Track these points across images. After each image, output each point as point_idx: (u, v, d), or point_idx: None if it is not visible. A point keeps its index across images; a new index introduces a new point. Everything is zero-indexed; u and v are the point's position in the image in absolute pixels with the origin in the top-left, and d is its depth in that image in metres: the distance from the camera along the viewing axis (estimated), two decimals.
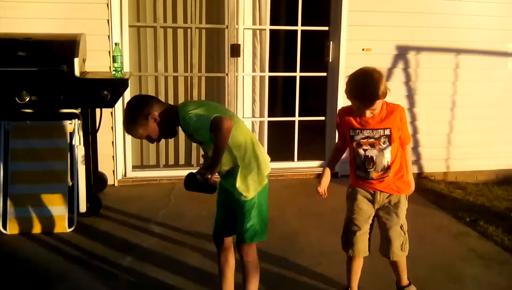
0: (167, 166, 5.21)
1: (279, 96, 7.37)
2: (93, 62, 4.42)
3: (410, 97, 5.34)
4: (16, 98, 3.79)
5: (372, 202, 2.84)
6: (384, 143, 2.74)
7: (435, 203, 4.68)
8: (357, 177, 2.84)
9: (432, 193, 5.02)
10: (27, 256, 3.48)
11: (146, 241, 3.72)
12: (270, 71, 5.34)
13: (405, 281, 3.02)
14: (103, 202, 4.19)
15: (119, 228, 3.91)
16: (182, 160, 5.41)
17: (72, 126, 3.95)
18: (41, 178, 3.85)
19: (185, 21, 5.16)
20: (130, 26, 4.80)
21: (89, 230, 3.87)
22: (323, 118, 5.41)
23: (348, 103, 2.72)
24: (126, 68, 4.66)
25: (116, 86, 4.01)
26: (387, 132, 2.72)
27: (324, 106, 5.42)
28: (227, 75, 5.04)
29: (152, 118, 2.52)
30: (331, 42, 5.19)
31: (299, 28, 5.15)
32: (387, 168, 2.76)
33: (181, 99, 5.31)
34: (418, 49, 5.26)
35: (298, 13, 5.09)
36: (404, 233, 2.83)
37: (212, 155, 2.36)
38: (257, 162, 2.58)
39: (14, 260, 3.44)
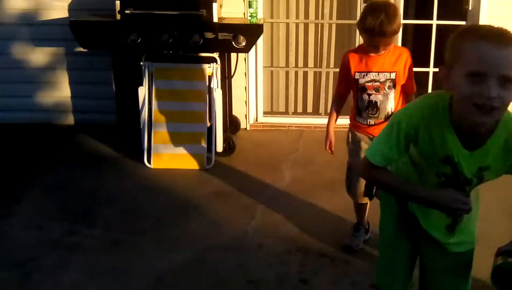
0: (295, 113, 5.28)
1: (408, 46, 7.09)
2: (228, 8, 4.54)
3: None
4: (159, 41, 4.00)
5: None
6: (389, 88, 2.66)
7: None
8: (356, 122, 2.79)
9: None
10: (169, 189, 3.75)
11: (278, 183, 3.84)
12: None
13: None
14: (236, 144, 4.35)
15: (252, 169, 4.05)
16: (310, 108, 5.45)
17: (211, 70, 4.10)
18: (182, 117, 4.07)
19: None
20: None
21: (225, 169, 4.06)
22: None
23: None
24: (260, 15, 4.71)
25: (251, 31, 4.08)
26: (392, 76, 2.63)
27: None
28: None
29: None
30: None
31: None
32: (390, 115, 2.66)
33: (311, 47, 5.31)
34: None
35: None
36: None
37: None
38: None
39: (157, 192, 3.73)
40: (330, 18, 5.18)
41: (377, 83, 2.67)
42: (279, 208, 3.46)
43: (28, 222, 3.35)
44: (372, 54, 2.66)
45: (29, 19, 4.79)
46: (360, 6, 4.88)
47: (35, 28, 4.81)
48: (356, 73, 2.70)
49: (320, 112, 5.20)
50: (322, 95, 5.19)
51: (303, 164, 4.19)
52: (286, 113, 5.22)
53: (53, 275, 2.82)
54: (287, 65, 5.18)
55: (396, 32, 2.54)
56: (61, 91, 4.95)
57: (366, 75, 2.68)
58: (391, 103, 2.70)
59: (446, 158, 1.64)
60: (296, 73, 5.36)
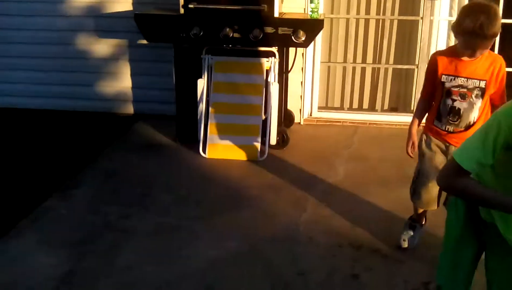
0: (351, 109, 5.23)
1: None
2: (289, 3, 4.54)
3: None
4: (220, 35, 4.06)
5: (445, 154, 2.66)
6: (476, 96, 2.52)
7: None
8: (434, 126, 2.68)
9: None
10: (223, 179, 3.81)
11: (331, 177, 3.83)
12: None
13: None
14: (290, 137, 4.35)
15: (305, 162, 4.06)
16: (366, 105, 5.38)
17: (269, 64, 4.13)
18: (238, 110, 4.14)
19: None
20: None
21: (278, 161, 4.08)
22: None
23: None
24: (321, 10, 4.69)
25: (312, 26, 4.08)
26: (482, 84, 2.48)
27: None
28: (421, 19, 4.83)
29: None
30: None
31: None
32: (471, 125, 2.54)
33: (371, 44, 5.24)
34: None
35: None
36: None
37: None
38: None
39: (211, 181, 3.80)
40: (392, 14, 5.10)
41: (464, 90, 2.54)
42: (331, 202, 3.45)
43: (85, 205, 3.49)
44: (463, 59, 2.53)
45: (94, 11, 4.96)
46: (423, 2, 4.76)
47: (99, 20, 4.98)
48: (443, 76, 2.59)
49: (376, 108, 5.12)
50: (380, 91, 5.11)
51: (357, 159, 4.16)
52: (341, 108, 5.18)
53: (108, 256, 2.93)
54: (345, 60, 5.14)
55: (496, 34, 2.37)
56: (122, 81, 5.11)
57: (454, 79, 2.56)
58: (475, 112, 2.56)
59: None
60: (354, 68, 5.30)
